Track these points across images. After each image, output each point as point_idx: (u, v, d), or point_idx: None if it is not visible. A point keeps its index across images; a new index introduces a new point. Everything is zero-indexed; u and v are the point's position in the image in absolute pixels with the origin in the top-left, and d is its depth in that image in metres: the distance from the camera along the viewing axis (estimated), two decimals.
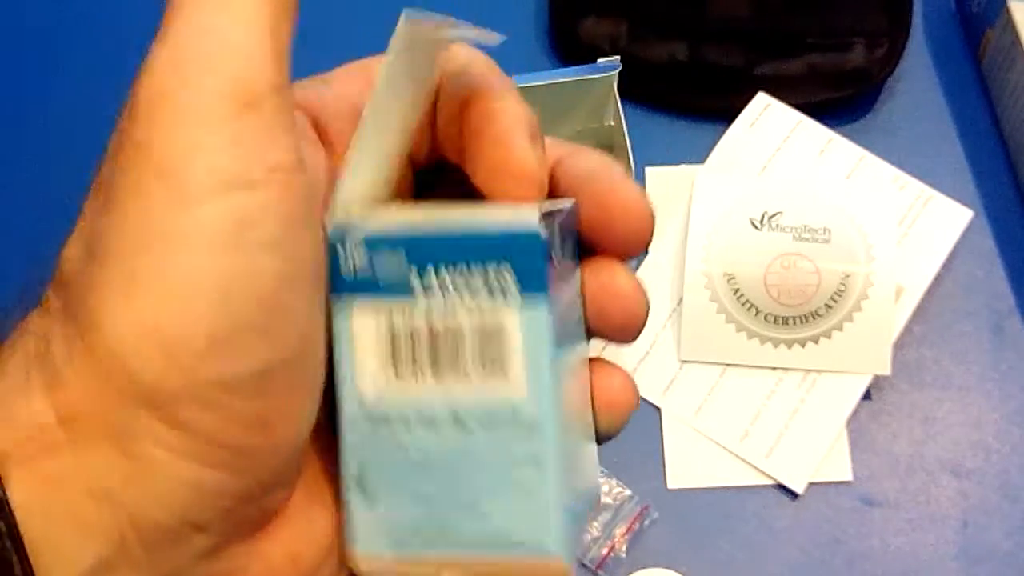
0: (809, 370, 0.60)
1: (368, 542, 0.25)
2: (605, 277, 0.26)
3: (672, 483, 0.59)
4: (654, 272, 0.63)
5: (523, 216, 0.24)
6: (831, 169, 0.65)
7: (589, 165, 0.26)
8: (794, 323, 0.61)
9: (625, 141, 0.59)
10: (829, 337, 0.60)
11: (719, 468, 0.59)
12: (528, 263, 0.24)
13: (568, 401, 0.25)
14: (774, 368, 0.61)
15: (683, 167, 0.65)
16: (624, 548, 0.57)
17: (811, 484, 0.59)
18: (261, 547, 0.24)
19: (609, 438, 0.28)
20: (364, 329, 0.25)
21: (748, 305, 0.61)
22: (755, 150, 0.65)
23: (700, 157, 0.65)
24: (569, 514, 0.25)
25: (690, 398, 0.60)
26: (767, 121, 0.66)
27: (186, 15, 0.22)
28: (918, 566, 0.57)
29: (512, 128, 0.25)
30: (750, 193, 0.63)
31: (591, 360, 0.27)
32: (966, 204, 0.64)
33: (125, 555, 0.22)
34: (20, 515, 0.21)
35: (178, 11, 0.22)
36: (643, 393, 0.60)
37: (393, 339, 0.25)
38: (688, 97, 0.69)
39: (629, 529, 0.57)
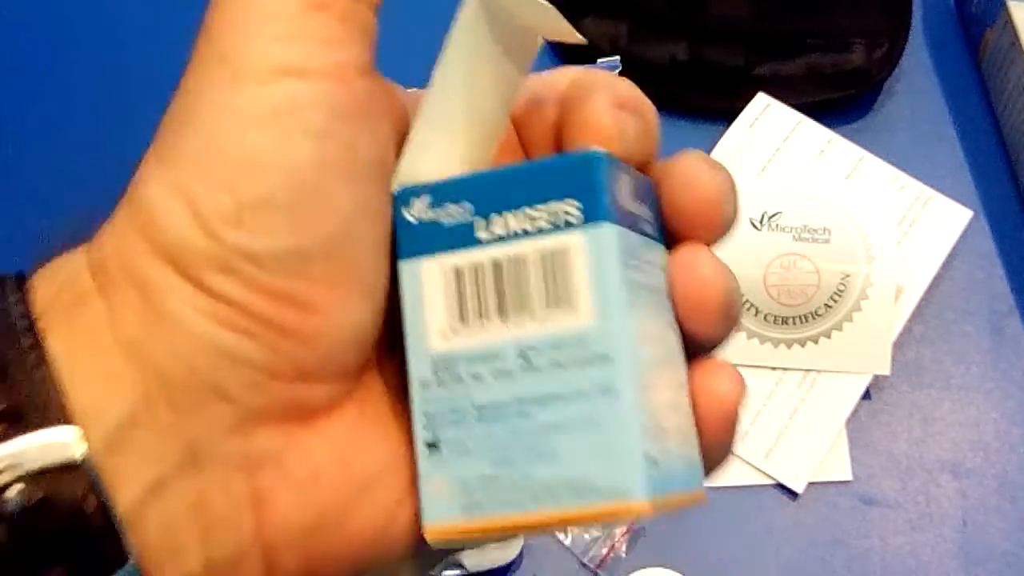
0: (809, 370, 0.60)
1: (439, 510, 0.24)
2: (685, 257, 0.26)
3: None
4: None
5: (582, 150, 0.24)
6: (831, 169, 0.65)
7: (676, 158, 0.27)
8: (794, 323, 0.61)
9: None
10: (829, 337, 0.60)
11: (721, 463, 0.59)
12: (590, 189, 0.24)
13: (643, 339, 0.24)
14: (774, 368, 0.61)
15: None
16: (624, 547, 0.57)
17: (811, 484, 0.59)
18: (302, 438, 0.24)
19: (720, 449, 0.27)
20: (432, 282, 0.25)
21: (748, 305, 0.61)
22: (755, 150, 0.65)
23: None
24: (652, 463, 0.23)
25: None
26: (767, 121, 0.66)
27: None
28: (917, 566, 0.57)
29: (597, 93, 0.26)
30: (750, 193, 0.63)
31: (698, 360, 0.26)
32: (965, 204, 0.64)
33: (151, 413, 0.22)
34: (57, 366, 0.21)
35: None
36: None
37: (460, 288, 0.25)
38: (688, 97, 0.69)
39: (629, 529, 0.57)
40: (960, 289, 0.64)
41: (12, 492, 0.21)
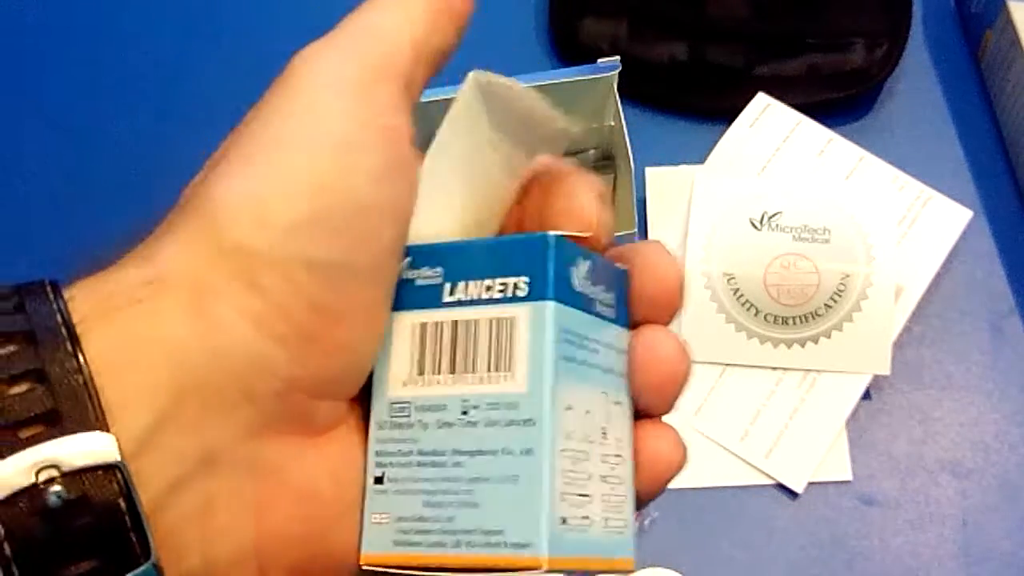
0: (809, 370, 0.60)
1: (376, 540, 0.27)
2: (648, 337, 0.29)
3: (672, 483, 0.59)
4: None
5: (541, 232, 0.27)
6: (831, 169, 0.65)
7: (641, 249, 0.30)
8: (794, 323, 0.61)
9: (625, 141, 0.59)
10: (829, 337, 0.60)
11: (719, 468, 0.59)
12: (539, 267, 0.26)
13: (572, 412, 0.26)
14: (774, 368, 0.61)
15: (683, 167, 0.66)
16: None
17: (811, 484, 0.59)
18: (305, 452, 0.26)
19: (651, 498, 0.30)
20: (400, 334, 0.27)
21: (748, 305, 0.61)
22: (755, 150, 0.65)
23: (700, 157, 0.65)
24: (561, 524, 0.25)
25: (690, 398, 0.60)
26: (767, 121, 0.66)
27: (358, 15, 0.27)
28: (917, 566, 0.57)
29: (580, 185, 0.29)
30: (750, 193, 0.63)
31: (645, 421, 0.29)
32: (965, 204, 0.64)
33: (180, 412, 0.24)
34: (95, 367, 0.23)
35: (355, 12, 0.27)
36: None
37: (422, 343, 0.27)
38: (688, 97, 0.69)
39: None
40: (960, 289, 0.64)
41: (52, 489, 0.22)
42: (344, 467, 0.27)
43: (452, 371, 0.27)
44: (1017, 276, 0.64)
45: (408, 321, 0.27)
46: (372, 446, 0.27)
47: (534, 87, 0.28)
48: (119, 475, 0.23)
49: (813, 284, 0.61)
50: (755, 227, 0.62)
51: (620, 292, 0.29)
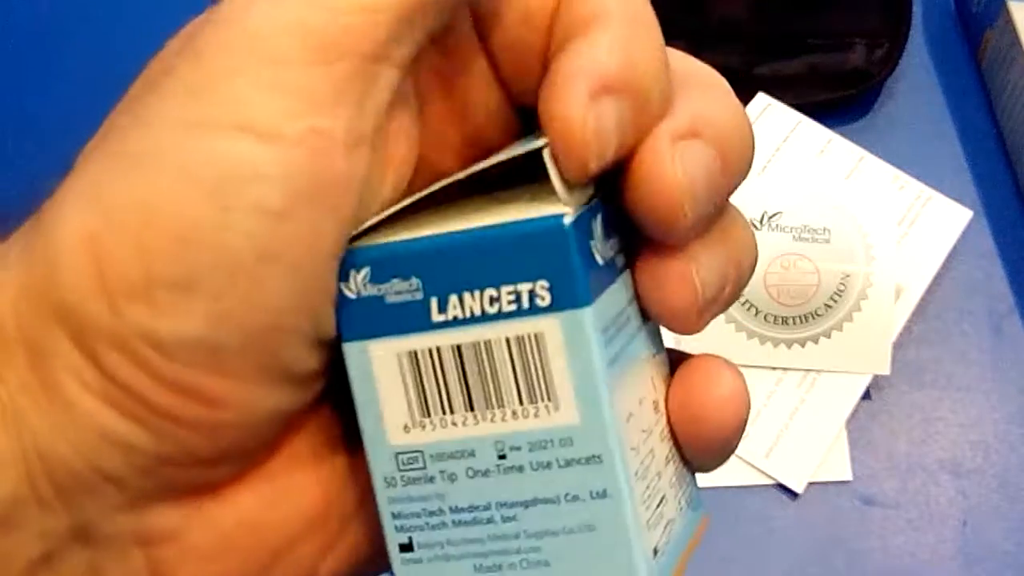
0: (809, 370, 0.60)
1: None
2: (651, 266, 0.22)
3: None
4: None
5: (547, 211, 0.20)
6: (831, 169, 0.65)
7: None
8: (794, 323, 0.61)
9: None
10: (829, 337, 0.60)
11: (719, 468, 0.59)
12: (563, 268, 0.20)
13: (632, 418, 0.22)
14: (774, 368, 0.61)
15: None
16: None
17: (811, 484, 0.59)
18: (205, 510, 0.22)
19: (715, 457, 0.24)
20: (386, 369, 0.21)
21: (748, 305, 0.61)
22: (755, 150, 0.65)
23: None
24: (654, 554, 0.22)
25: None
26: (767, 121, 0.66)
27: None
28: (917, 566, 0.57)
29: (574, 76, 0.20)
30: (750, 193, 0.63)
31: (690, 359, 0.23)
32: (965, 204, 0.64)
33: (35, 492, 0.20)
34: None
35: None
36: None
37: (418, 376, 0.21)
38: None
39: None
40: (960, 289, 0.64)
41: None
42: (267, 510, 0.22)
43: (469, 408, 0.21)
44: (1017, 276, 0.64)
45: (390, 351, 0.21)
46: (385, 507, 0.22)
47: None
48: None
49: (813, 284, 0.61)
50: (755, 227, 0.62)
51: (622, 215, 0.22)
